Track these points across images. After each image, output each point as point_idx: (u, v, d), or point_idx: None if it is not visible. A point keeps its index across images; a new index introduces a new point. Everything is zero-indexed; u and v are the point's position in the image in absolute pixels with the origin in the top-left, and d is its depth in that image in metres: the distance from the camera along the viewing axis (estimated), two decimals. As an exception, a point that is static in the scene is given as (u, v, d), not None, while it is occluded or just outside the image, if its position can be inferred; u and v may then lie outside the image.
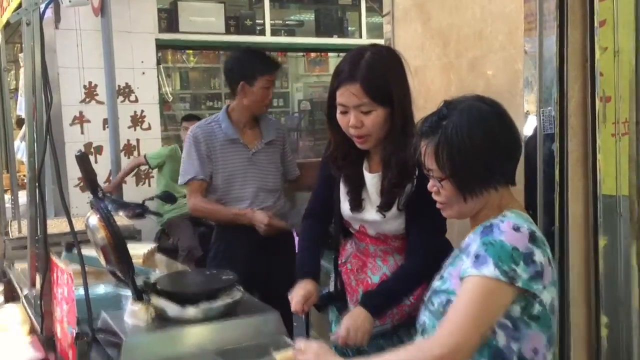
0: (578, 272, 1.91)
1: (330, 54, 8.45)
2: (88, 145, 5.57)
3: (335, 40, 7.17)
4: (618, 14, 1.81)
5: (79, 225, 2.79)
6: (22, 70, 5.75)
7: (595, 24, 1.83)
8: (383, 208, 1.90)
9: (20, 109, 5.38)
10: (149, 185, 5.75)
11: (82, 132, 5.55)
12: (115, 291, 1.95)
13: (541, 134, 1.92)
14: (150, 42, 5.90)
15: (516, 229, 1.41)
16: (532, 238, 1.42)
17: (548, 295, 1.43)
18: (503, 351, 1.42)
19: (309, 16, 7.93)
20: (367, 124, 1.80)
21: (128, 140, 5.74)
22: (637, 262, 1.86)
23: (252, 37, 6.74)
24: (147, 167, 5.46)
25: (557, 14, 1.86)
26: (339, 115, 1.84)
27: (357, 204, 1.95)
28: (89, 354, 1.50)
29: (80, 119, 5.55)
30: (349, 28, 7.56)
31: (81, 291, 1.64)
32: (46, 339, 1.69)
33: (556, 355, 1.91)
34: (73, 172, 5.18)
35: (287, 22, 8.17)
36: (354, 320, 1.77)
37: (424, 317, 1.55)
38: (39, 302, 1.73)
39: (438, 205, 1.54)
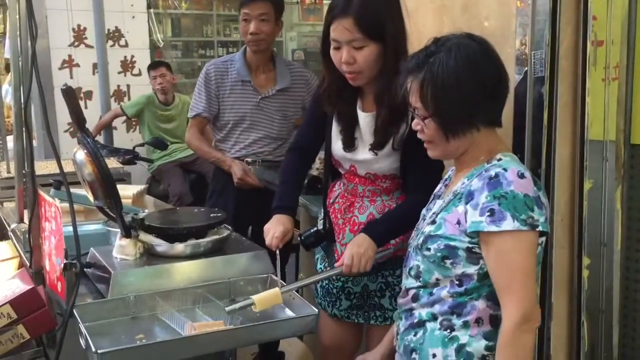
0: (562, 214, 1.93)
1: (325, 1, 8.32)
2: (78, 90, 5.50)
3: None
4: (613, -45, 1.79)
5: (68, 168, 2.80)
6: (9, 13, 5.62)
7: (590, -34, 1.81)
8: (376, 147, 1.90)
9: (8, 51, 5.31)
10: (140, 132, 5.72)
11: (72, 77, 5.48)
12: (104, 228, 1.96)
13: (531, 77, 1.91)
14: (140, -15, 5.78)
15: (521, 175, 1.43)
16: (534, 181, 1.45)
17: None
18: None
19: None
20: (359, 60, 1.79)
21: (118, 86, 5.68)
22: (620, 206, 1.89)
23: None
24: (124, 117, 5.36)
25: (552, -46, 1.83)
26: (332, 51, 1.83)
27: (349, 143, 1.95)
28: (77, 284, 1.52)
29: (69, 63, 5.47)
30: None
31: (70, 228, 1.64)
32: (35, 273, 1.71)
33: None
34: (63, 117, 5.15)
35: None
36: (358, 247, 1.78)
37: (416, 261, 1.56)
38: (27, 236, 1.74)
39: (425, 144, 1.55)
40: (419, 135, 1.53)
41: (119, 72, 5.72)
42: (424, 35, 2.31)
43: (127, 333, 1.54)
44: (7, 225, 2.29)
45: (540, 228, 1.41)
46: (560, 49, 1.88)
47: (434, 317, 1.52)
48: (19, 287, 1.53)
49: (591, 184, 1.88)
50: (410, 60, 1.51)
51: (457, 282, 1.49)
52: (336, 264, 1.83)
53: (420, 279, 1.54)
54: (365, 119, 1.93)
